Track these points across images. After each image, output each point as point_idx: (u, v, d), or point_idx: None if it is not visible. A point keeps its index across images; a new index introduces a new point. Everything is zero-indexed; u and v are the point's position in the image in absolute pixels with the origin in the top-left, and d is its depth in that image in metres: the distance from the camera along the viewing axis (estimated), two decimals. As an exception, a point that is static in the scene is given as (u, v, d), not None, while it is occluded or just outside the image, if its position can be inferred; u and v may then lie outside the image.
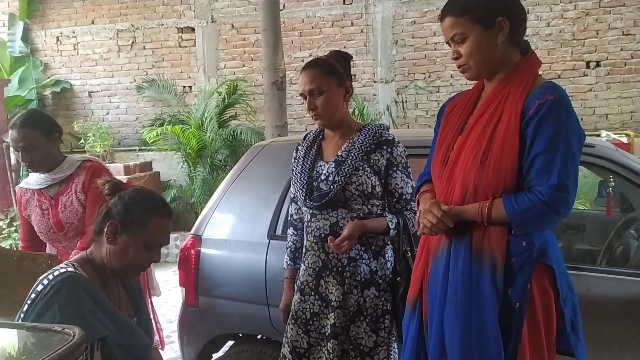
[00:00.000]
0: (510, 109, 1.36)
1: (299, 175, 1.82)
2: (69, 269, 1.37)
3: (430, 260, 1.50)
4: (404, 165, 1.79)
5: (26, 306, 1.31)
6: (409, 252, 1.81)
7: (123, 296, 1.53)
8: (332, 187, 1.73)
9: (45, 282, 1.33)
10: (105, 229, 1.39)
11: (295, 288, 1.85)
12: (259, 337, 2.36)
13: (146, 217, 1.38)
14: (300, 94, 1.80)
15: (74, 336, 0.99)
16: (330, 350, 1.73)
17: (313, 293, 1.78)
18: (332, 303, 1.75)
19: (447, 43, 1.47)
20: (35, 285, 1.35)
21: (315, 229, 1.78)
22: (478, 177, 1.37)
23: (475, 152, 1.38)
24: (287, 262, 1.95)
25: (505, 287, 1.34)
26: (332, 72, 1.76)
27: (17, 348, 1.07)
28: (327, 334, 1.76)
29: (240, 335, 2.42)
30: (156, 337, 2.48)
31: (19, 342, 1.08)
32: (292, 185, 1.88)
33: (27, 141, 2.07)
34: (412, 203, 1.80)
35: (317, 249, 1.78)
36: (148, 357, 1.50)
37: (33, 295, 1.32)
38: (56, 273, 1.34)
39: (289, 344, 1.82)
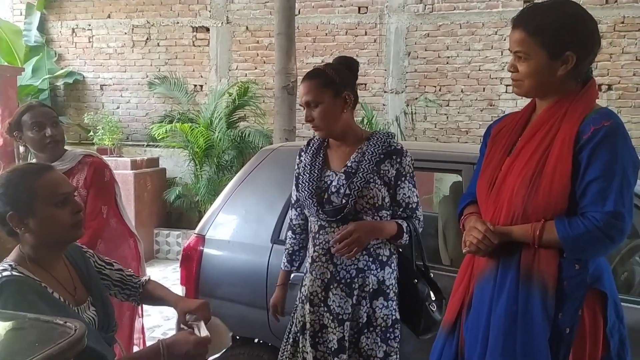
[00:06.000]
0: (564, 133, 1.34)
1: (307, 184, 1.79)
2: (4, 272, 1.30)
3: (475, 283, 1.46)
4: (411, 174, 1.79)
5: None
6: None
7: (75, 277, 1.47)
8: (344, 200, 1.72)
9: None
10: (11, 225, 1.33)
11: (303, 298, 1.82)
12: (256, 340, 2.35)
13: (28, 187, 1.32)
14: (300, 105, 1.82)
15: (75, 330, 0.99)
16: None
17: (322, 305, 1.77)
18: (341, 316, 1.73)
19: (509, 50, 1.44)
20: None
21: (323, 242, 1.77)
22: (527, 199, 1.34)
23: (525, 173, 1.36)
24: (284, 263, 2.00)
25: (556, 312, 1.31)
26: (328, 84, 1.73)
27: (17, 339, 1.05)
28: (333, 348, 1.74)
29: (238, 337, 2.41)
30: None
31: (19, 334, 1.06)
32: (298, 193, 1.87)
33: None
34: (416, 212, 1.81)
35: (324, 260, 1.77)
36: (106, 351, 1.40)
37: None
38: None
39: (300, 355, 1.82)
